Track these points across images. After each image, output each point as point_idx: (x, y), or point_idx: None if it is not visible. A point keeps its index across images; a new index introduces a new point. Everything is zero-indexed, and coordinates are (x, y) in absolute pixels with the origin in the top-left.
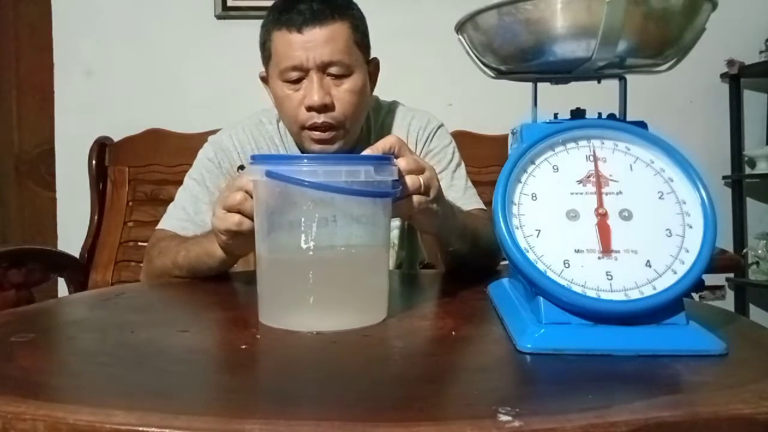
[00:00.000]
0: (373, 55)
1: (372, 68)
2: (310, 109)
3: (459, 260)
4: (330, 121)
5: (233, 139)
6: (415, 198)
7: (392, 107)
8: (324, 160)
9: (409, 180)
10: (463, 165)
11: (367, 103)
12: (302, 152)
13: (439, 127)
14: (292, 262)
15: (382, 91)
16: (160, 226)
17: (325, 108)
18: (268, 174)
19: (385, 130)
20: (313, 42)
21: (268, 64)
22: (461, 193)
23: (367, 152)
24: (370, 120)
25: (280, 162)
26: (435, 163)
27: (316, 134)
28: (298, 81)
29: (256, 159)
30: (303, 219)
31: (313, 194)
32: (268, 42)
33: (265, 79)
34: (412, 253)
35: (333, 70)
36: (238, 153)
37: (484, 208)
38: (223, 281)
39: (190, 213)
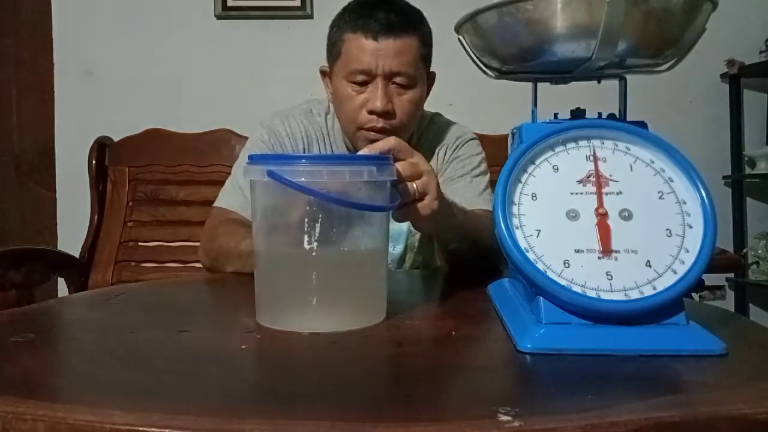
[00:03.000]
0: None
1: (430, 81)
2: (371, 112)
3: (459, 259)
4: (388, 126)
5: (284, 125)
6: (420, 205)
7: (434, 118)
8: (326, 160)
9: (408, 187)
10: (488, 176)
11: (420, 114)
12: (348, 149)
13: (471, 139)
14: (293, 263)
15: None
16: (219, 204)
17: (386, 114)
18: (270, 175)
19: (424, 138)
20: (385, 51)
21: (335, 62)
22: (475, 195)
23: (364, 152)
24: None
25: (281, 162)
26: (459, 167)
27: (372, 135)
28: (363, 84)
29: (255, 159)
30: (306, 220)
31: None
32: (340, 42)
33: (324, 73)
34: (430, 256)
35: (398, 80)
36: (289, 139)
37: None
38: (223, 281)
39: (248, 195)
